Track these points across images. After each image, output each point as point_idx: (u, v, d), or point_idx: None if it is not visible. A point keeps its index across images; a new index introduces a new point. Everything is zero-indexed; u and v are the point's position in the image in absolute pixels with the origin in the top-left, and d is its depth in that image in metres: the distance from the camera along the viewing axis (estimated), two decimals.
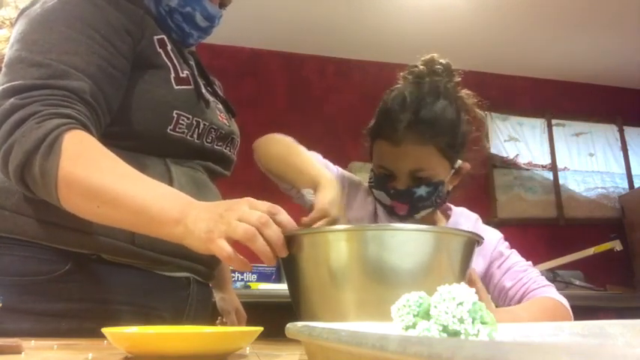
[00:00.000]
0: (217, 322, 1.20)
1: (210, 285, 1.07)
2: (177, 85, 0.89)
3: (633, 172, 3.98)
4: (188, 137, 0.90)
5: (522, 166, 3.78)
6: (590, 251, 2.87)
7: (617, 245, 2.94)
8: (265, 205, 0.69)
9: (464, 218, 1.17)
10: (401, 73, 1.10)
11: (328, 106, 3.56)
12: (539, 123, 3.91)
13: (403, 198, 1.04)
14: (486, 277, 1.10)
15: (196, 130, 0.91)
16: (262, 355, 0.61)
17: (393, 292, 0.47)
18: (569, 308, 1.03)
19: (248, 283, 2.23)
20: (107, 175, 0.71)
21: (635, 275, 3.50)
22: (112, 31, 0.84)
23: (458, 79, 1.08)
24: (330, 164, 1.16)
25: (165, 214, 0.68)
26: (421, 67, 1.06)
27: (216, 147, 0.98)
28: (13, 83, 0.75)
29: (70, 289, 0.81)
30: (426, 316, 0.37)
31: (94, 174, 0.70)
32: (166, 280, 0.90)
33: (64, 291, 0.80)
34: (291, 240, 0.69)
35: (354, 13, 3.16)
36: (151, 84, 0.88)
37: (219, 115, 1.00)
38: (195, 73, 0.96)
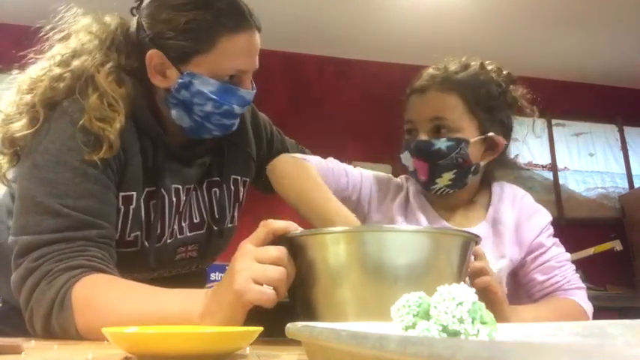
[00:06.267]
0: None
1: None
2: (118, 248, 0.85)
3: (633, 172, 3.98)
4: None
5: (522, 166, 3.77)
6: (590, 251, 2.87)
7: (617, 245, 2.94)
8: (261, 232, 0.69)
9: (506, 200, 1.10)
10: None
11: (328, 106, 3.56)
12: (539, 123, 3.91)
13: (422, 153, 1.00)
14: (520, 266, 1.04)
15: (139, 278, 0.86)
16: (262, 355, 0.61)
17: (392, 293, 0.47)
18: (590, 318, 0.97)
19: None
20: (121, 309, 0.71)
21: (635, 275, 3.50)
22: (112, 169, 0.85)
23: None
24: (350, 168, 1.10)
25: (191, 315, 0.69)
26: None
27: (176, 273, 1.00)
28: (29, 238, 0.76)
29: None
30: (426, 316, 0.37)
31: (109, 316, 0.70)
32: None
33: None
34: (290, 242, 0.69)
35: (354, 13, 3.16)
36: None
37: (181, 251, 0.97)
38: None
